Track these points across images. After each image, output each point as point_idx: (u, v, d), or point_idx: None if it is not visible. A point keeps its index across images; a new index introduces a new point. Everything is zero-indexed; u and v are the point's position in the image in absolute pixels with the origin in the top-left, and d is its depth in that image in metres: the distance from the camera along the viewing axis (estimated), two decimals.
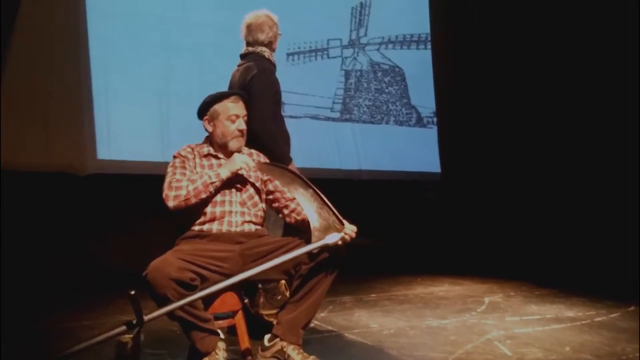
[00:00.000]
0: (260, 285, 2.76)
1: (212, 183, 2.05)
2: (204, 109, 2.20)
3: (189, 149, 2.21)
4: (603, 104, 5.03)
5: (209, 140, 2.26)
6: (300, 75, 5.26)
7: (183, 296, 1.82)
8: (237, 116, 2.18)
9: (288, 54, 5.26)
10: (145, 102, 4.48)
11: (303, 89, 5.26)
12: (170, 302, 1.80)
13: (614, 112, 4.94)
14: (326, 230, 2.02)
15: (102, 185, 4.20)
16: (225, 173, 2.09)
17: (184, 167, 2.13)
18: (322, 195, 2.05)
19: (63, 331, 2.66)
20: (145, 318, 1.76)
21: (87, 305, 3.24)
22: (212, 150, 2.22)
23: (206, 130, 2.23)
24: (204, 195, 2.05)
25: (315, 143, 5.30)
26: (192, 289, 1.86)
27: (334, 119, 5.50)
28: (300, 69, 5.32)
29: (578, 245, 4.95)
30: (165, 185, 2.08)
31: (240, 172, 2.13)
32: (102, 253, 4.10)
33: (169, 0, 4.67)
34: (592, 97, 5.12)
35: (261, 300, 2.81)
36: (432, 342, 2.49)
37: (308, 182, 2.08)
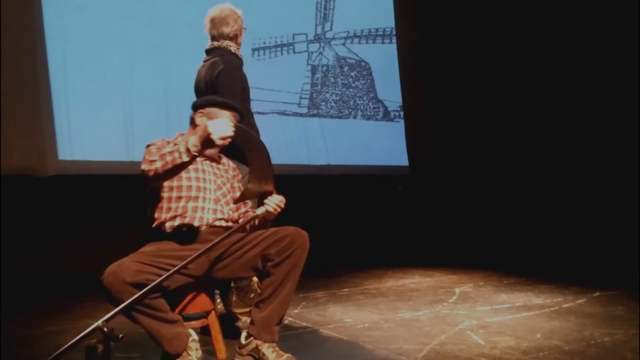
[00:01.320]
0: (232, 284, 2.72)
1: (183, 163, 1.87)
2: (205, 104, 2.17)
3: (164, 141, 2.12)
4: (568, 94, 5.16)
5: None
6: (266, 70, 5.21)
7: (143, 299, 1.77)
8: None
9: (253, 49, 5.20)
10: (107, 99, 4.35)
11: (269, 85, 5.21)
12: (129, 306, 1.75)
13: (581, 100, 5.07)
14: (255, 194, 2.10)
15: (64, 187, 4.06)
16: (194, 142, 1.86)
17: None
18: (268, 162, 2.04)
19: (28, 339, 2.56)
20: (100, 321, 1.69)
21: (52, 310, 3.13)
22: None
23: (193, 122, 2.17)
24: (172, 173, 1.92)
25: (283, 139, 5.28)
26: (152, 291, 1.81)
27: (301, 115, 5.47)
28: (266, 64, 5.27)
29: (543, 234, 5.09)
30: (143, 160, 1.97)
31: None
32: (66, 256, 3.98)
33: None
34: (557, 88, 5.24)
35: (234, 298, 2.77)
36: (406, 334, 2.50)
37: (262, 145, 2.05)
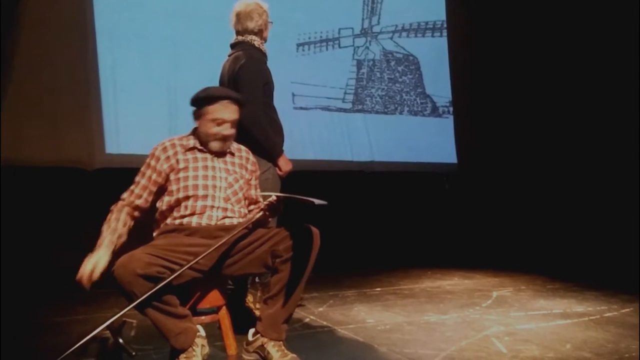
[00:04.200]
0: (257, 280, 2.72)
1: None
2: (194, 104, 2.16)
3: (168, 144, 2.15)
4: (624, 90, 4.82)
5: (197, 132, 2.19)
6: (310, 65, 5.17)
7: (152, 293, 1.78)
8: (224, 121, 2.10)
9: (298, 45, 5.18)
10: (153, 95, 4.47)
11: (314, 80, 5.18)
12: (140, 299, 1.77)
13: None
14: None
15: (111, 180, 4.19)
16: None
17: (144, 175, 2.14)
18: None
19: (54, 326, 2.68)
20: (109, 321, 1.74)
21: (87, 299, 3.24)
22: (197, 144, 2.16)
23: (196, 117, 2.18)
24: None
25: (326, 134, 5.23)
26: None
27: (345, 110, 5.41)
28: (310, 59, 5.23)
29: (597, 237, 4.75)
30: (130, 188, 2.15)
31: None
32: None
33: None
34: (613, 84, 4.90)
35: (258, 294, 2.77)
36: (426, 339, 2.40)
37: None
